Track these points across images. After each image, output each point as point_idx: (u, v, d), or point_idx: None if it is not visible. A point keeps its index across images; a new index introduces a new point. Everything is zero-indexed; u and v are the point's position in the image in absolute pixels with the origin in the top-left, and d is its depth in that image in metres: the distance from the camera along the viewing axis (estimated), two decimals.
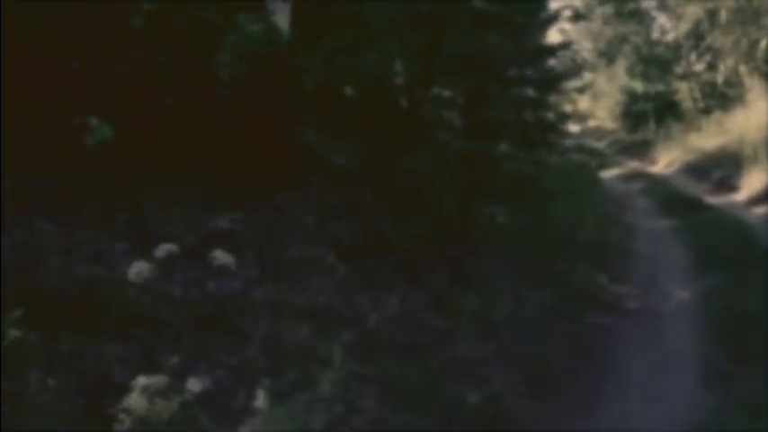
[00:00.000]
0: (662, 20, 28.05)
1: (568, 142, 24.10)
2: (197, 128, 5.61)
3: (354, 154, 6.57)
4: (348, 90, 6.43)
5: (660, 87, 24.94)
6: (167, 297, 4.33)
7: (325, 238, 5.76)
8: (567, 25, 41.99)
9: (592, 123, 35.25)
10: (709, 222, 11.72)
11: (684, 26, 27.98)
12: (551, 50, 18.24)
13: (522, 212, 9.49)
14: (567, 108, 26.79)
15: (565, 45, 19.95)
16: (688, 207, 13.33)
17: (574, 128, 35.33)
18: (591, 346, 6.10)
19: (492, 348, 5.57)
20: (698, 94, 26.45)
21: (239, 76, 5.91)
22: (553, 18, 17.37)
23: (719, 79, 26.71)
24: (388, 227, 6.23)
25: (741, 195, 14.79)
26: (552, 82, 18.63)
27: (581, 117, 29.40)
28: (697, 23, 27.51)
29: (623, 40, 27.75)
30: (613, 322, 6.82)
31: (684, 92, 26.14)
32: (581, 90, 28.34)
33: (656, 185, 16.94)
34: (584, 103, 37.96)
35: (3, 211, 3.92)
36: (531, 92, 17.98)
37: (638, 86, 25.49)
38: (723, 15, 26.21)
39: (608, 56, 29.03)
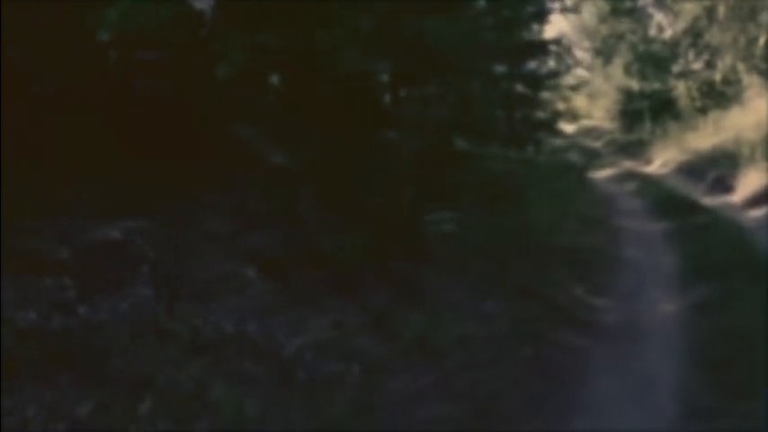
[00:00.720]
0: (659, 17, 27.04)
1: (560, 142, 23.19)
2: (99, 122, 4.72)
3: (298, 152, 5.65)
4: (274, 79, 5.51)
5: (656, 86, 23.92)
6: (16, 326, 3.43)
7: (245, 250, 4.85)
8: (564, 24, 41.08)
9: (589, 123, 34.30)
10: (702, 226, 10.78)
11: (681, 23, 27.02)
12: (541, 46, 17.35)
13: (496, 217, 8.59)
14: (561, 106, 25.93)
15: (555, 41, 19.06)
16: (681, 209, 12.39)
17: (570, 127, 34.45)
18: (555, 374, 5.16)
19: (435, 379, 4.65)
20: (695, 93, 25.42)
21: (154, 63, 5.02)
22: (541, 12, 16.48)
23: (717, 77, 25.83)
24: (327, 236, 5.31)
25: (737, 196, 13.85)
26: (541, 78, 17.73)
27: (574, 116, 28.43)
28: (694, 21, 26.54)
29: (619, 38, 26.74)
30: (586, 342, 5.88)
31: (681, 90, 25.21)
32: (575, 88, 27.51)
33: (650, 186, 15.97)
34: (581, 102, 37.05)
35: None
36: (520, 88, 17.16)
37: (634, 85, 24.48)
38: (721, 12, 25.27)
39: (604, 54, 28.00)
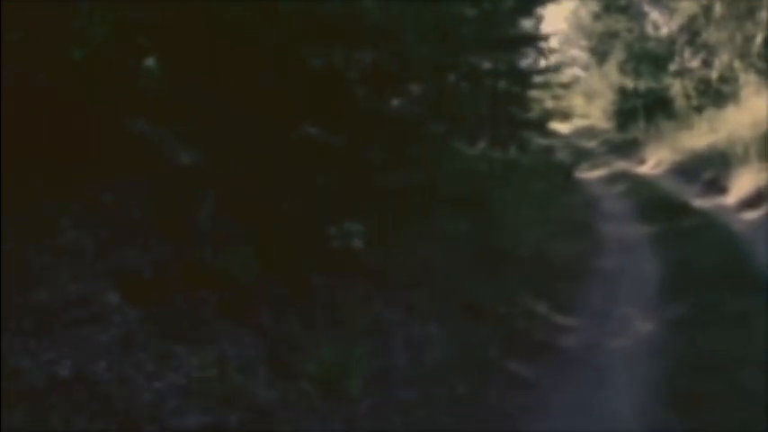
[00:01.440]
0: (654, 15, 25.97)
1: (554, 141, 22.14)
2: None
3: (205, 150, 4.67)
4: (150, 62, 4.51)
5: (651, 84, 22.84)
6: None
7: (110, 269, 3.87)
8: (562, 22, 39.95)
9: (585, 123, 33.24)
10: (690, 230, 9.78)
11: (677, 21, 25.94)
12: (526, 40, 16.32)
13: (457, 223, 7.60)
14: (551, 105, 24.89)
15: (541, 36, 18.02)
16: (670, 211, 11.38)
17: (565, 127, 33.39)
18: (494, 417, 4.17)
19: (339, 430, 3.67)
20: (692, 92, 24.33)
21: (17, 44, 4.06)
22: (525, 5, 15.43)
23: (714, 76, 24.79)
24: (223, 249, 4.33)
25: (730, 198, 12.83)
26: (527, 75, 16.69)
27: (565, 115, 27.35)
28: (691, 18, 25.49)
29: (614, 35, 25.69)
30: (538, 373, 4.89)
31: (677, 89, 24.18)
32: (566, 86, 26.41)
33: (640, 187, 14.93)
34: (578, 102, 35.99)
35: None
36: (505, 85, 16.14)
37: (629, 83, 23.41)
38: (717, 10, 24.23)
39: (599, 52, 26.96)
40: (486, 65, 14.91)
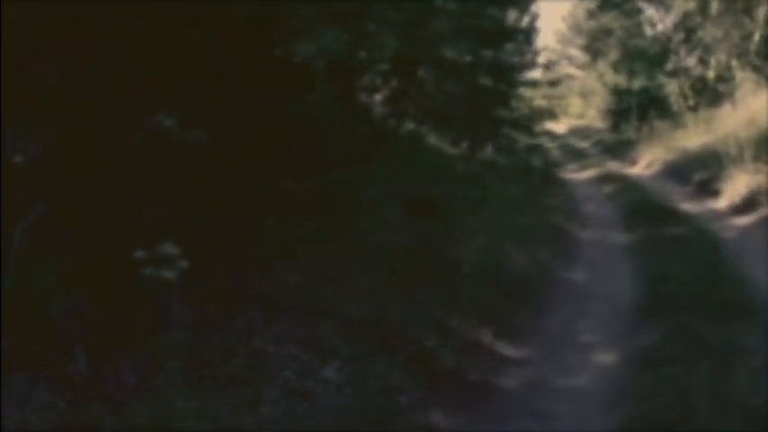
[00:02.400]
0: (649, 12, 24.76)
1: (533, 141, 20.95)
2: None
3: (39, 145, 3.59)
4: None
5: (645, 83, 21.63)
6: None
7: None
8: (559, 22, 38.81)
9: (580, 122, 32.06)
10: (674, 240, 8.64)
11: (673, 18, 24.73)
12: (507, 34, 15.16)
13: (404, 233, 6.49)
14: (540, 103, 23.72)
15: (525, 29, 16.85)
16: (655, 217, 10.23)
17: (560, 127, 32.22)
18: None
19: None
20: (688, 91, 23.11)
21: None
22: None
23: (711, 75, 23.64)
24: (31, 274, 3.24)
25: (722, 202, 11.67)
26: (508, 70, 15.53)
27: (552, 114, 26.14)
28: (687, 16, 24.28)
29: (608, 33, 24.48)
30: (462, 428, 3.77)
31: (673, 88, 23.00)
32: (554, 84, 25.20)
33: (628, 189, 13.77)
34: (575, 101, 34.82)
35: None
36: (486, 82, 15.00)
37: (622, 82, 22.21)
38: (714, 7, 23.03)
39: (593, 50, 25.76)
40: (467, 59, 13.79)
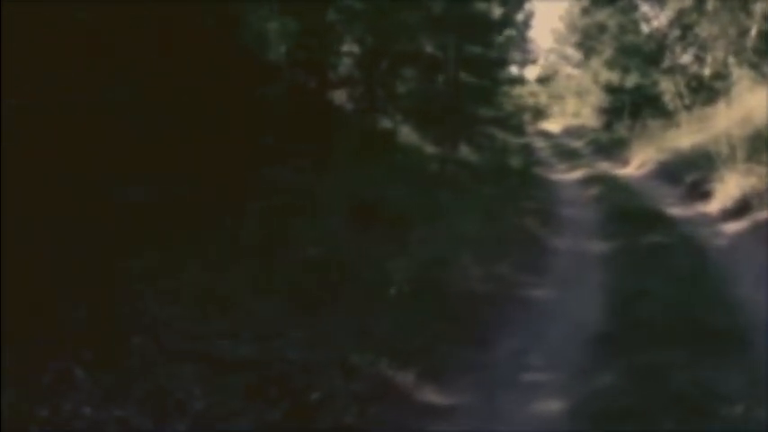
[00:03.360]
0: (645, 8, 23.65)
1: (521, 141, 19.90)
2: None
3: None
4: None
5: (638, 80, 20.52)
6: None
7: None
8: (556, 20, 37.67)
9: (576, 121, 30.97)
10: (657, 249, 7.62)
11: (668, 15, 23.63)
12: (491, 28, 14.11)
13: (346, 243, 5.49)
14: (527, 101, 22.66)
15: (508, 21, 15.76)
16: (640, 222, 9.21)
17: (555, 126, 31.14)
18: None
19: None
20: (683, 89, 22.01)
21: None
22: None
23: (707, 72, 22.59)
24: None
25: (714, 205, 10.62)
26: (489, 65, 14.47)
27: (539, 112, 25.03)
28: (682, 12, 23.20)
29: (602, 29, 23.37)
30: None
31: (668, 86, 21.90)
32: (543, 81, 24.12)
33: (616, 191, 12.70)
34: (571, 100, 33.71)
35: None
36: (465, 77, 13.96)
37: (615, 79, 21.10)
38: (710, 2, 21.97)
39: (586, 47, 24.66)
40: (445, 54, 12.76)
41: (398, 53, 11.57)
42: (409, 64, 12.00)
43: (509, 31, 16.10)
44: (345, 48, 10.81)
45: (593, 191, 13.04)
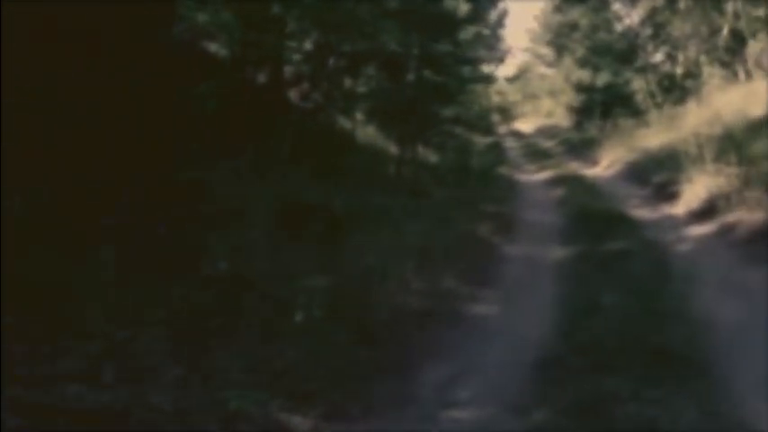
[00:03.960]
0: (616, 6, 23.19)
1: (488, 140, 19.34)
2: None
3: None
4: None
5: (610, 79, 20.03)
6: None
7: None
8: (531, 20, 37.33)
9: (549, 121, 30.52)
10: (617, 256, 7.07)
11: (640, 13, 23.20)
12: (453, 24, 13.48)
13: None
14: (494, 100, 22.11)
15: (473, 17, 15.16)
16: (603, 226, 8.66)
17: (527, 126, 30.66)
18: None
19: None
20: (655, 88, 21.60)
21: None
22: None
23: (679, 71, 22.23)
24: None
25: (681, 207, 10.12)
26: (450, 64, 13.82)
27: (504, 111, 24.43)
28: (654, 10, 22.78)
29: (573, 27, 22.87)
30: None
31: (640, 85, 21.46)
32: (510, 80, 23.59)
33: (582, 192, 12.15)
34: (546, 100, 33.26)
35: None
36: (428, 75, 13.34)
37: (585, 77, 20.60)
38: (682, 1, 21.59)
39: (557, 45, 24.15)
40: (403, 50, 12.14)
41: (353, 50, 10.93)
42: (367, 61, 11.36)
43: (477, 29, 15.39)
44: (297, 44, 10.16)
45: (559, 192, 12.50)
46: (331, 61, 9.97)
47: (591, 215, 9.62)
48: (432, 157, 11.87)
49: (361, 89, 11.85)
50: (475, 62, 14.89)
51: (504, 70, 43.64)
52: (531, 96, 35.94)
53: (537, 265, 7.05)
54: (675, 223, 9.32)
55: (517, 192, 12.54)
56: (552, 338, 4.78)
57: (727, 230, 8.12)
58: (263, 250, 5.21)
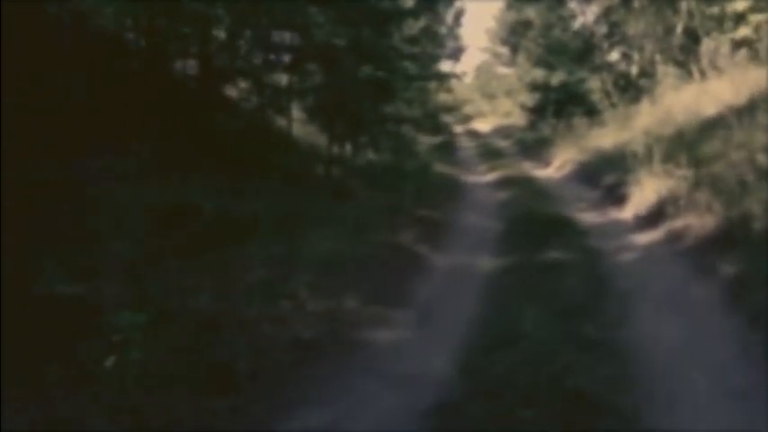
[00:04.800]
0: (572, 4, 22.56)
1: (436, 140, 18.48)
2: None
3: None
4: None
5: (564, 78, 19.35)
6: None
7: None
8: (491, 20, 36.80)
9: (506, 121, 29.87)
10: (552, 269, 6.27)
11: (595, 11, 22.63)
12: (390, 17, 12.58)
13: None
14: (443, 98, 21.30)
15: (416, 13, 14.27)
16: (544, 233, 7.86)
17: (485, 126, 29.97)
18: None
19: None
20: (610, 87, 21.03)
21: None
22: None
23: (634, 70, 21.75)
24: None
25: (629, 211, 9.40)
26: (390, 59, 12.91)
27: (450, 110, 23.61)
28: (609, 9, 22.23)
29: (527, 26, 22.18)
30: None
31: (595, 84, 20.90)
32: (458, 77, 22.81)
33: (529, 195, 11.37)
34: (504, 100, 32.63)
35: None
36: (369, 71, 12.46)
37: (539, 76, 19.89)
38: None
39: (510, 44, 23.44)
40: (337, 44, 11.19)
41: (280, 42, 10.00)
42: (299, 55, 10.43)
43: (425, 24, 14.52)
44: (216, 34, 9.18)
45: (505, 195, 11.70)
46: (259, 55, 9.04)
47: (534, 220, 8.83)
48: (371, 156, 10.96)
49: (298, 86, 10.91)
50: (422, 58, 13.97)
51: (463, 70, 42.89)
52: (490, 96, 35.33)
53: (462, 279, 6.20)
54: (621, 229, 8.57)
55: (460, 194, 11.71)
56: (457, 377, 3.91)
57: (674, 238, 7.37)
58: (125, 267, 4.25)
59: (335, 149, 10.16)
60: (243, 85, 10.90)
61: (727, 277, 5.54)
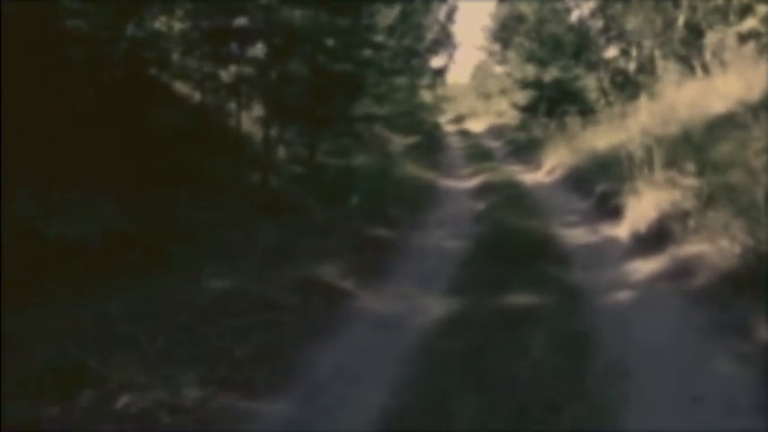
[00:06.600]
0: None
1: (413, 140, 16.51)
2: None
3: None
4: None
5: (558, 74, 17.41)
6: None
7: None
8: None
9: (501, 120, 27.93)
10: (518, 321, 4.42)
11: (591, 5, 20.71)
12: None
13: None
14: (425, 96, 19.41)
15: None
16: (519, 259, 6.00)
17: (478, 126, 28.05)
18: None
19: None
20: (607, 84, 19.10)
21: None
22: None
23: (632, 67, 19.88)
24: None
25: (624, 228, 7.55)
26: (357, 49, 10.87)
27: (430, 108, 21.59)
28: (606, 2, 20.32)
29: (520, 20, 20.23)
30: None
31: (591, 82, 19.02)
32: (439, 73, 20.83)
33: (510, 205, 9.47)
34: (498, 98, 30.69)
35: None
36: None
37: (531, 73, 17.95)
38: None
39: (502, 39, 21.50)
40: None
41: (215, 26, 8.17)
42: (238, 39, 8.58)
43: (396, 12, 12.64)
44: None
45: (482, 205, 9.82)
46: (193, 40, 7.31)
47: (510, 240, 6.95)
48: (321, 160, 9.11)
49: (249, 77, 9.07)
50: (399, 51, 12.06)
51: (461, 69, 41.00)
52: (485, 96, 33.46)
53: (385, 340, 4.32)
54: (615, 254, 6.70)
55: (431, 204, 9.82)
56: None
57: (683, 270, 5.48)
58: None
59: (284, 152, 8.30)
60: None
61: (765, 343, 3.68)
